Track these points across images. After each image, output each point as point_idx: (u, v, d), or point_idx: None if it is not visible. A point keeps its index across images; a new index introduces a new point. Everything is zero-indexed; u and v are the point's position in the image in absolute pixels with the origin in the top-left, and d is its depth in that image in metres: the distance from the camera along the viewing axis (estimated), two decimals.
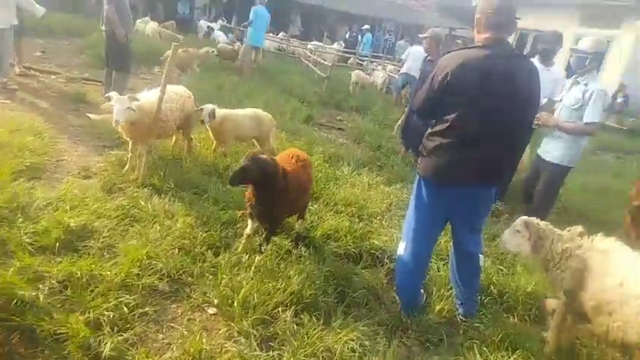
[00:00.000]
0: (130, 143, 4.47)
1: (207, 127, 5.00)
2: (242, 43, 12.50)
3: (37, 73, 8.14)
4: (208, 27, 17.25)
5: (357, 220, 4.33)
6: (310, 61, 14.73)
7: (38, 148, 4.55)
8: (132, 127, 4.20)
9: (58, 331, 2.32)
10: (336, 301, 3.06)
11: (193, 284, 2.98)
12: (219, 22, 18.51)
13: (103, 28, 6.71)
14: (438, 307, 3.24)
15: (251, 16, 11.23)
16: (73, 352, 2.23)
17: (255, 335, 2.55)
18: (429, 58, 6.48)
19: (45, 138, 4.89)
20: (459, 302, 3.26)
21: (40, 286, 2.58)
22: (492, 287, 3.56)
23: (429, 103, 2.84)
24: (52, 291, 2.58)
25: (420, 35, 6.67)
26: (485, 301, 3.42)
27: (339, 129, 8.79)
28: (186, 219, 3.62)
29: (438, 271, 3.63)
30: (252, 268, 3.12)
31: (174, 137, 5.24)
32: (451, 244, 3.27)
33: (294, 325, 2.67)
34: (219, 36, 16.11)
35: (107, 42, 6.75)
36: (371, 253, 3.84)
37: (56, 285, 2.61)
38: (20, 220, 3.12)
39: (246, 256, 3.25)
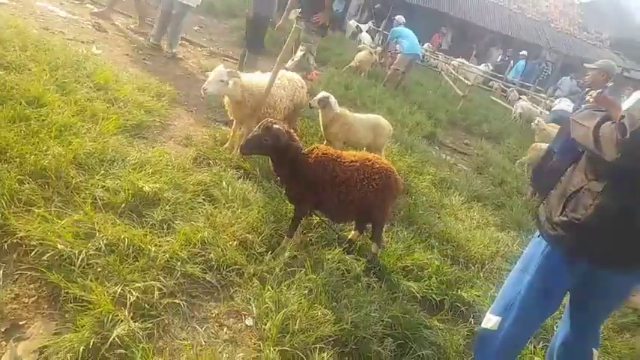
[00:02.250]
0: (234, 122, 4.38)
1: (321, 124, 4.71)
2: (382, 49, 12.22)
3: (187, 43, 8.72)
4: (357, 27, 17.24)
5: (449, 261, 3.66)
6: (451, 77, 13.84)
7: (154, 109, 4.66)
8: (236, 106, 4.07)
9: (82, 297, 2.16)
10: (392, 354, 2.50)
11: (240, 286, 2.66)
12: (369, 24, 18.42)
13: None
14: None
15: (391, 35, 11.02)
16: (86, 325, 2.04)
17: None
18: (589, 94, 5.38)
19: (164, 101, 5.02)
20: None
21: (89, 244, 2.46)
22: None
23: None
24: (97, 253, 2.44)
25: (585, 65, 5.61)
26: None
27: (463, 153, 7.98)
28: (261, 211, 3.34)
29: (533, 354, 2.84)
30: (308, 284, 2.69)
31: None
32: (560, 325, 2.51)
33: None
34: (365, 37, 15.96)
35: (247, 23, 6.96)
36: (455, 306, 3.18)
37: (103, 247, 2.46)
38: (102, 172, 3.12)
39: (304, 270, 2.82)
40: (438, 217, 4.48)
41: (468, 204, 5.19)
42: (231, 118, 4.34)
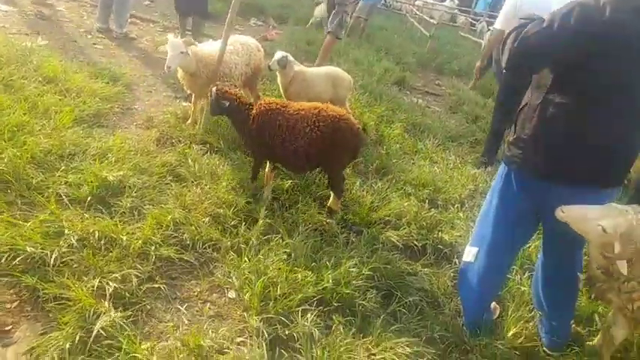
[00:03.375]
0: (193, 97, 4.26)
1: (280, 85, 4.58)
2: None
3: (138, 21, 8.33)
4: None
5: (427, 205, 3.69)
6: (416, 18, 13.57)
7: (111, 95, 4.51)
8: (191, 78, 3.95)
9: (61, 295, 2.15)
10: (378, 305, 2.55)
11: (218, 261, 2.67)
12: None
13: None
14: (512, 331, 2.55)
15: None
16: (69, 322, 2.04)
17: (265, 335, 2.16)
18: None
19: (120, 85, 4.84)
20: (544, 330, 2.56)
21: (61, 242, 2.43)
22: (597, 318, 2.76)
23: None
24: (69, 250, 2.40)
25: None
26: (584, 333, 2.67)
27: (435, 95, 7.94)
28: (230, 183, 3.31)
29: (519, 284, 2.91)
30: (285, 249, 2.71)
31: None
32: (540, 253, 2.54)
33: (317, 330, 2.23)
34: None
35: None
36: (438, 249, 3.24)
37: (75, 243, 2.43)
38: (62, 168, 3.04)
39: (280, 236, 2.84)
40: (413, 164, 4.49)
41: (443, 145, 5.20)
42: (188, 92, 4.21)
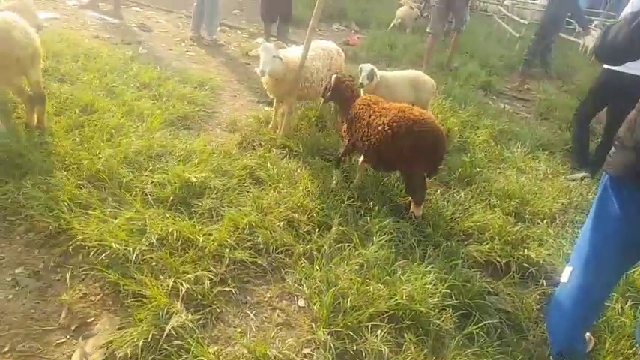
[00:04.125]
0: (275, 101, 4.32)
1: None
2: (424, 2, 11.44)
3: (227, 28, 8.73)
4: None
5: (514, 219, 3.40)
6: (504, 19, 12.81)
7: (197, 99, 4.73)
8: (275, 83, 3.99)
9: (139, 292, 2.24)
10: (454, 325, 2.37)
11: (290, 267, 2.64)
12: None
13: None
14: None
15: None
16: (144, 319, 2.12)
17: (333, 349, 2.09)
18: None
19: (207, 90, 5.07)
20: None
21: (142, 240, 2.54)
22: None
23: None
24: (149, 248, 2.51)
25: None
26: None
27: (524, 100, 7.42)
28: (306, 188, 3.30)
29: (620, 313, 2.57)
30: (358, 260, 2.62)
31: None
32: None
33: (387, 348, 2.11)
34: None
35: None
36: (523, 267, 2.97)
37: (154, 242, 2.54)
38: (150, 168, 3.21)
39: (353, 245, 2.75)
40: (499, 173, 4.20)
41: (533, 154, 4.82)
42: (271, 97, 4.29)
